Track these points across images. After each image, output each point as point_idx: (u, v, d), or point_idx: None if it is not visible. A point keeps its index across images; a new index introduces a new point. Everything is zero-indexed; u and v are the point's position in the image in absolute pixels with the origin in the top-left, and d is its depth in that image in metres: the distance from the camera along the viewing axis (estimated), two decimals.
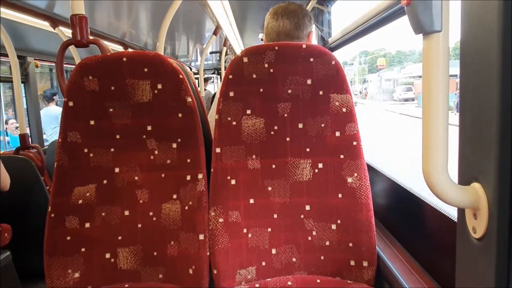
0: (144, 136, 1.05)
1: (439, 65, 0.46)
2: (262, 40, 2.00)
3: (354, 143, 1.02)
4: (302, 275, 1.03)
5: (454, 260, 0.52)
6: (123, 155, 1.05)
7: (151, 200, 1.05)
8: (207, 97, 5.27)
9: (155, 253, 1.04)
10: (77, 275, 1.01)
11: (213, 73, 8.51)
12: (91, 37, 1.16)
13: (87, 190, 1.03)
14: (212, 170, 1.03)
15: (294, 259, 1.04)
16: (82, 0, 1.16)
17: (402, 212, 1.11)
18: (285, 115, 1.04)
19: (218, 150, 1.03)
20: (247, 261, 1.03)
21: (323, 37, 2.14)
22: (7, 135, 5.45)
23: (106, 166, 1.04)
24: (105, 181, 1.04)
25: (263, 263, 1.03)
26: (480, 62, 0.44)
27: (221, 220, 1.01)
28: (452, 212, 0.81)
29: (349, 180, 1.02)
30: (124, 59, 1.01)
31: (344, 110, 1.02)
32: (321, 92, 1.02)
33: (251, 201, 1.03)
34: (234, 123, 1.03)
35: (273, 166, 1.04)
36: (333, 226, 1.02)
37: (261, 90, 1.03)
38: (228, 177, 1.03)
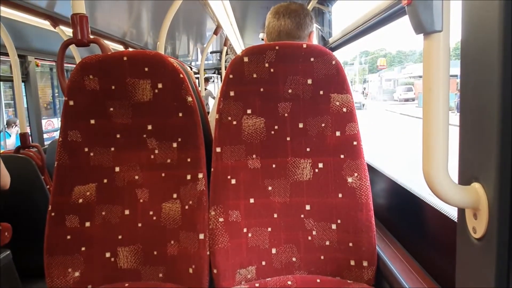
0: (145, 136, 1.05)
1: (439, 65, 0.46)
2: (262, 39, 2.00)
3: (355, 143, 1.02)
4: (302, 274, 1.03)
5: (454, 260, 0.52)
6: (123, 154, 1.05)
7: (151, 200, 1.05)
8: (207, 97, 5.28)
9: (155, 253, 1.04)
10: (77, 274, 1.01)
11: (214, 73, 8.52)
12: (91, 36, 1.16)
13: (87, 189, 1.03)
14: (212, 169, 1.03)
15: (294, 259, 1.04)
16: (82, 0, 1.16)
17: (402, 212, 1.11)
18: (286, 114, 1.04)
19: (218, 149, 1.03)
20: (247, 260, 1.03)
21: (323, 37, 2.14)
22: (8, 137, 5.44)
23: (107, 165, 1.04)
24: (105, 180, 1.04)
25: (263, 263, 1.03)
26: (480, 62, 0.44)
27: (221, 219, 1.01)
28: (452, 212, 0.81)
29: (349, 180, 1.02)
30: (125, 58, 1.01)
31: (344, 110, 1.02)
32: (321, 92, 1.02)
33: (251, 200, 1.03)
34: (234, 122, 1.03)
35: (273, 166, 1.04)
36: (333, 226, 1.02)
37: (262, 89, 1.03)
38: (228, 177, 1.03)
